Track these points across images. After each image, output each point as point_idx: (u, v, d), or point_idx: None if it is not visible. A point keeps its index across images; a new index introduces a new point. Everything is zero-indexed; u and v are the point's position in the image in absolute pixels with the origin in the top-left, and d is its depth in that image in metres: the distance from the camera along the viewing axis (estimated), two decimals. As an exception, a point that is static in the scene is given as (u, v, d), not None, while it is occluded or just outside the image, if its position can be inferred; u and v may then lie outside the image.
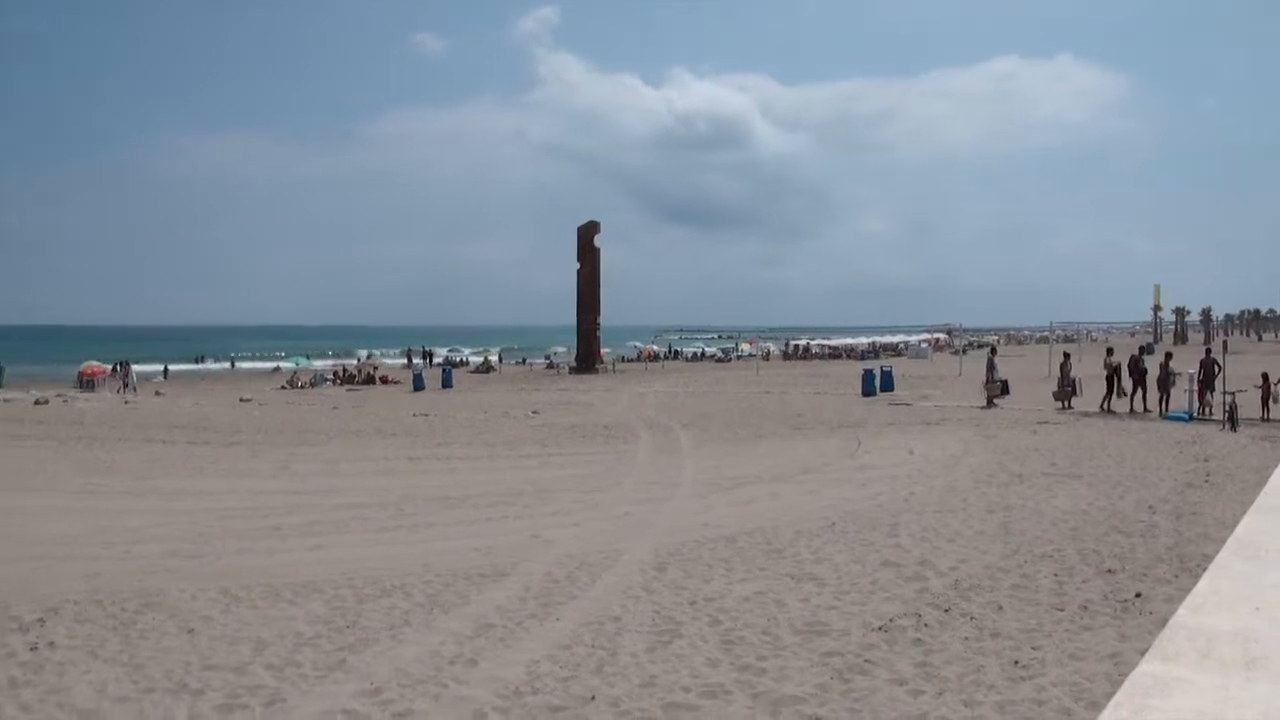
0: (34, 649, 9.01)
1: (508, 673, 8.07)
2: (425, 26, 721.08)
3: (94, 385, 57.63)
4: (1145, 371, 30.57)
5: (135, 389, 54.45)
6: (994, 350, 39.47)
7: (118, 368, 62.89)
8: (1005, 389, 33.62)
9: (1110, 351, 32.79)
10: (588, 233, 68.68)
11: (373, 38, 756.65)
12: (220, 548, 13.41)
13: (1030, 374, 44.69)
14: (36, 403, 41.92)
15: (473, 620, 9.60)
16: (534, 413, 35.34)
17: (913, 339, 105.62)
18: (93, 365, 63.59)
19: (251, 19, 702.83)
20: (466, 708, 7.37)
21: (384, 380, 61.50)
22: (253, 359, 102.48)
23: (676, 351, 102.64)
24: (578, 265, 68.72)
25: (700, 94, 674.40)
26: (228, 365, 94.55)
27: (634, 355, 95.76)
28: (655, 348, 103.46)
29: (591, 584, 11.02)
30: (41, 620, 9.94)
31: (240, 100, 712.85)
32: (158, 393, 52.39)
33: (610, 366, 70.65)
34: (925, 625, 9.09)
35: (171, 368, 76.89)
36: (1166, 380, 29.81)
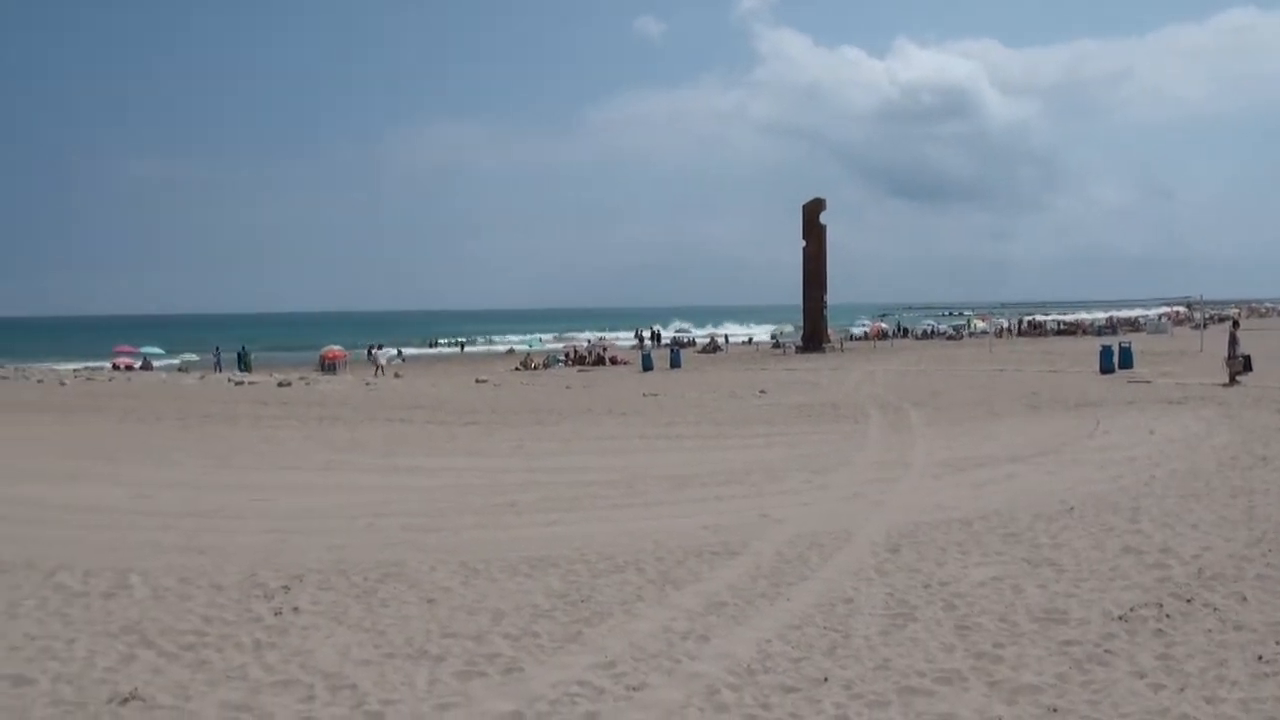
0: (279, 614, 9.40)
1: (739, 650, 8.05)
2: (647, 10, 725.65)
3: (335, 368, 59.94)
4: None
5: (383, 370, 56.40)
6: (1236, 324, 37.53)
7: (371, 351, 65.52)
8: (1248, 365, 31.94)
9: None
10: (813, 210, 68.08)
11: (597, 24, 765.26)
12: (458, 522, 13.77)
13: (1276, 350, 42.36)
14: (280, 385, 43.64)
15: (704, 597, 9.61)
16: (761, 392, 35.24)
17: (1150, 313, 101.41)
18: (333, 349, 66.19)
19: (483, 11, 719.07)
20: (699, 684, 7.37)
21: (613, 361, 62.32)
22: (485, 343, 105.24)
23: (905, 329, 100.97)
24: (803, 243, 68.23)
25: (925, 63, 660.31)
26: (457, 349, 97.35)
27: (862, 333, 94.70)
28: (884, 325, 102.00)
29: (823, 564, 10.90)
30: (286, 587, 10.37)
31: (473, 90, 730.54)
32: (396, 375, 54.16)
33: (838, 345, 69.97)
34: (1166, 616, 8.68)
35: (406, 351, 79.53)
36: None
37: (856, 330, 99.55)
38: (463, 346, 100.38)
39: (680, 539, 12.23)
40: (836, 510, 13.99)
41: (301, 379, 47.57)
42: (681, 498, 15.50)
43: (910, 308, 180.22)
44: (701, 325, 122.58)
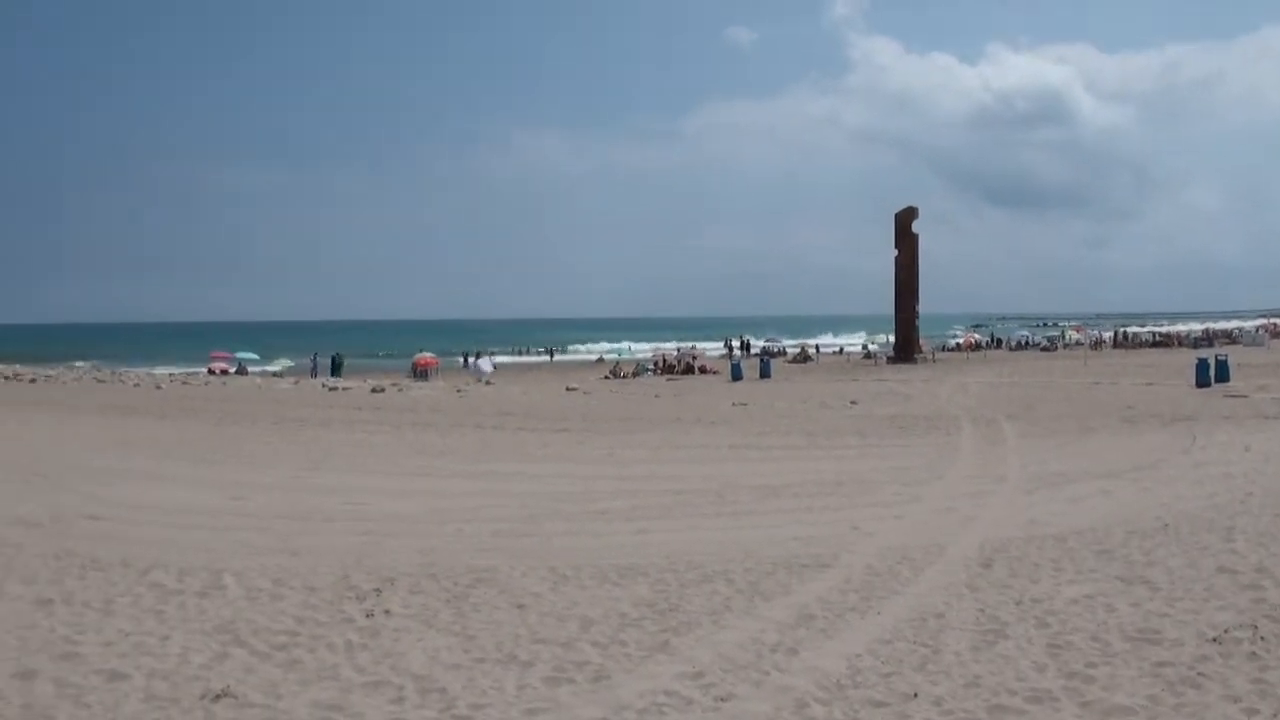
0: (370, 616, 9.51)
1: (829, 664, 7.99)
2: (738, 19, 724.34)
3: (427, 375, 60.50)
4: None
5: (481, 378, 56.83)
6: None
7: (467, 359, 66.19)
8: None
9: None
10: (906, 218, 67.37)
11: (688, 33, 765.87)
12: (549, 529, 13.84)
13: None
14: (373, 391, 44.06)
15: (794, 609, 9.56)
16: (852, 403, 34.99)
17: (1247, 324, 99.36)
18: (425, 356, 66.82)
19: (573, 22, 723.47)
20: (788, 696, 7.33)
21: (703, 370, 62.17)
22: (574, 351, 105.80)
23: (999, 340, 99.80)
24: (895, 252, 67.60)
25: (1018, 69, 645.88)
26: (547, 357, 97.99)
27: (954, 344, 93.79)
28: (976, 336, 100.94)
29: (914, 578, 10.80)
30: (378, 590, 10.48)
31: (564, 99, 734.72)
32: (487, 382, 54.54)
33: (930, 356, 69.04)
34: (1261, 638, 8.45)
35: (496, 360, 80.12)
36: None
37: (949, 341, 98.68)
38: (551, 354, 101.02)
39: (770, 550, 12.18)
40: (928, 524, 13.86)
41: (394, 385, 48.03)
42: (771, 508, 15.45)
43: (1003, 318, 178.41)
44: (791, 334, 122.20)
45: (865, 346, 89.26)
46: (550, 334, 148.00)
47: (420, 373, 61.35)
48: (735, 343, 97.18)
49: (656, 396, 41.08)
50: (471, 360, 65.35)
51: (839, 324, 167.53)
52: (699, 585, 10.55)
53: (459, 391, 44.97)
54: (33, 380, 51.59)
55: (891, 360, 66.35)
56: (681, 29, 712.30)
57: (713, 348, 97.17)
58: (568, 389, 46.01)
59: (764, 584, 10.57)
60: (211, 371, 66.84)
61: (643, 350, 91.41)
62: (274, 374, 66.89)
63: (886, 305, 69.67)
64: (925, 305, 68.27)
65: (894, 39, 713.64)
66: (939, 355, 73.59)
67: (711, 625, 9.07)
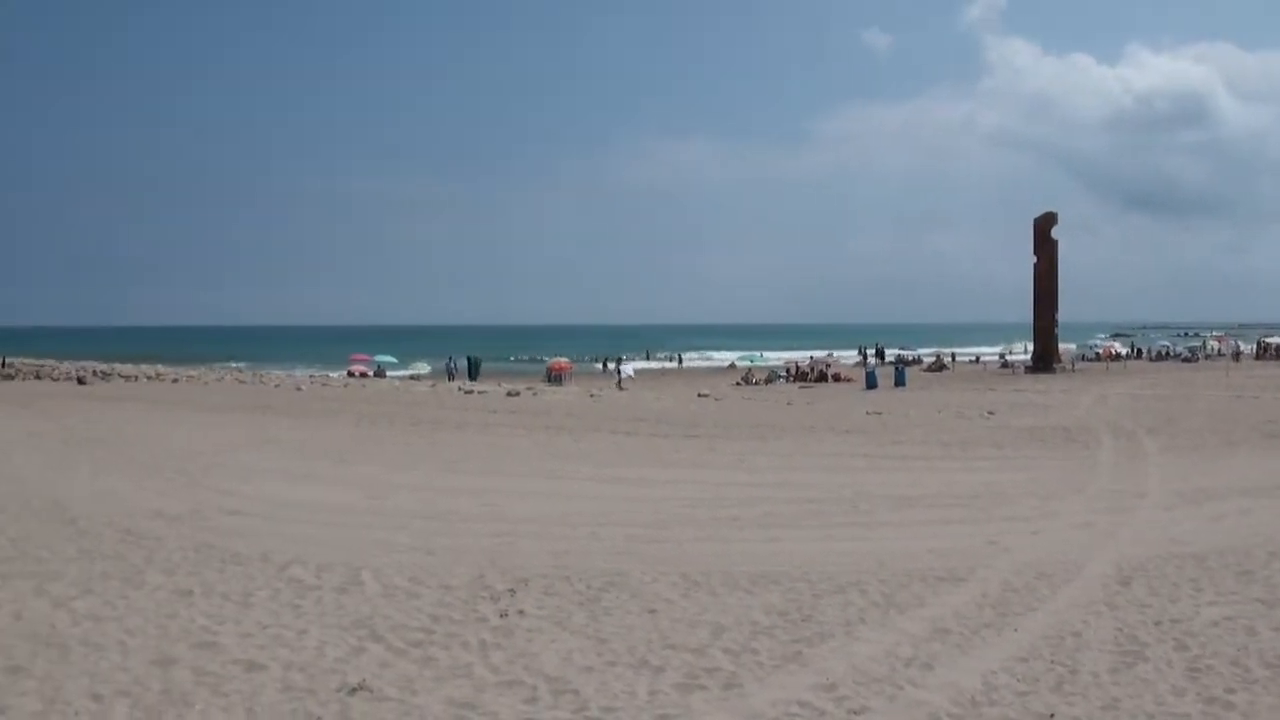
0: (504, 616, 9.64)
1: (964, 680, 7.87)
2: (873, 22, 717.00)
3: (561, 379, 61.04)
4: None
5: (618, 383, 57.21)
6: None
7: (607, 363, 66.65)
8: None
9: None
10: (1045, 224, 66.09)
11: (824, 37, 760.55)
12: (681, 534, 13.86)
13: None
14: (509, 394, 44.60)
15: (928, 623, 9.44)
16: (989, 413, 34.43)
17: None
18: (560, 361, 67.50)
19: (708, 26, 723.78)
20: (922, 711, 7.25)
21: (836, 378, 61.75)
22: (703, 358, 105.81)
23: (1139, 350, 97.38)
24: (1034, 258, 66.40)
25: (1158, 69, 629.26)
26: (673, 363, 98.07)
27: (1093, 354, 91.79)
28: (1116, 346, 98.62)
29: (1051, 595, 10.58)
30: (512, 591, 10.62)
31: (699, 104, 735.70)
32: (620, 387, 54.83)
33: (1069, 366, 67.64)
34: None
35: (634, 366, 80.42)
36: None
37: (1088, 350, 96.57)
38: (680, 360, 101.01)
39: (904, 561, 12.04)
40: (1066, 539, 13.57)
41: (529, 389, 48.53)
42: (906, 519, 15.27)
43: (1143, 327, 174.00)
44: (927, 342, 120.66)
45: (1003, 355, 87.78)
46: (681, 340, 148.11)
47: (554, 377, 62.02)
48: (870, 350, 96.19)
49: (789, 404, 40.90)
50: (612, 365, 65.73)
51: (975, 332, 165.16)
52: (832, 595, 10.47)
53: (592, 396, 45.25)
54: (175, 380, 53.25)
55: (1029, 370, 65.22)
56: (817, 33, 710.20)
57: (846, 355, 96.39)
58: (699, 395, 45.99)
59: (898, 596, 10.46)
60: (350, 374, 68.36)
61: (774, 357, 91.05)
62: (412, 377, 67.99)
63: (1024, 313, 68.52)
64: (1064, 313, 67.01)
65: (1031, 40, 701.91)
66: (1078, 365, 71.93)
67: (845, 636, 9.00)
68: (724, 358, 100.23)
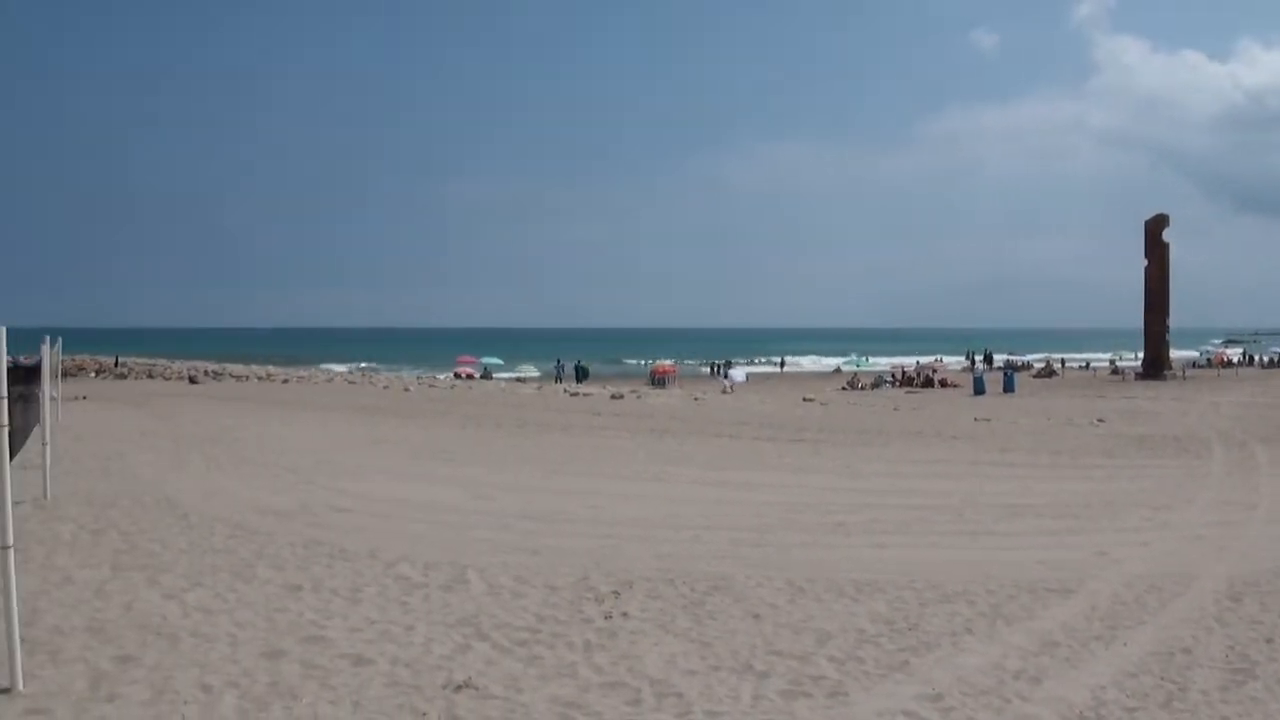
0: (608, 618, 9.64)
1: (1072, 695, 7.70)
2: (981, 22, 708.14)
3: (664, 383, 61.18)
4: None
5: (724, 388, 57.19)
6: None
7: (715, 368, 66.65)
8: None
9: None
10: (1156, 227, 64.85)
11: (930, 38, 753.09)
12: (785, 540, 13.77)
13: None
14: (613, 397, 44.96)
15: (1037, 636, 9.26)
16: (1099, 421, 33.85)
17: None
18: (664, 364, 67.70)
19: (818, 27, 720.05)
20: (1030, 725, 7.12)
21: (943, 383, 61.19)
22: (808, 363, 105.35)
23: (1251, 357, 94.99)
24: (1144, 262, 65.12)
25: (1270, 66, 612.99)
26: (776, 367, 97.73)
27: (1204, 360, 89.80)
28: (1228, 353, 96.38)
29: (1161, 609, 10.32)
30: (616, 593, 10.63)
31: (807, 106, 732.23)
32: (724, 390, 54.77)
33: (1180, 373, 66.19)
34: None
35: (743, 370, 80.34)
36: None
37: (1200, 357, 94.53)
38: (782, 364, 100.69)
39: (1012, 572, 11.84)
40: (1177, 552, 13.26)
41: (633, 392, 48.72)
42: (1014, 529, 15.04)
43: (1257, 334, 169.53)
44: (1033, 348, 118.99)
45: (1113, 361, 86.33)
46: (782, 344, 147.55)
47: (659, 380, 62.19)
48: (978, 356, 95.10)
49: (895, 409, 40.55)
50: (720, 368, 65.72)
51: (1084, 337, 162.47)
52: (938, 605, 10.33)
53: (696, 399, 45.30)
54: (285, 381, 54.26)
55: (1140, 377, 63.95)
56: (923, 34, 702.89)
57: (954, 360, 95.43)
58: (804, 399, 45.83)
59: (1006, 607, 10.28)
60: (458, 375, 69.21)
61: (879, 362, 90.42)
62: (518, 379, 68.57)
63: (1135, 318, 67.28)
64: (1176, 319, 65.59)
65: (1140, 38, 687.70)
66: (1189, 372, 70.38)
67: (951, 647, 8.87)
68: (828, 363, 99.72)
